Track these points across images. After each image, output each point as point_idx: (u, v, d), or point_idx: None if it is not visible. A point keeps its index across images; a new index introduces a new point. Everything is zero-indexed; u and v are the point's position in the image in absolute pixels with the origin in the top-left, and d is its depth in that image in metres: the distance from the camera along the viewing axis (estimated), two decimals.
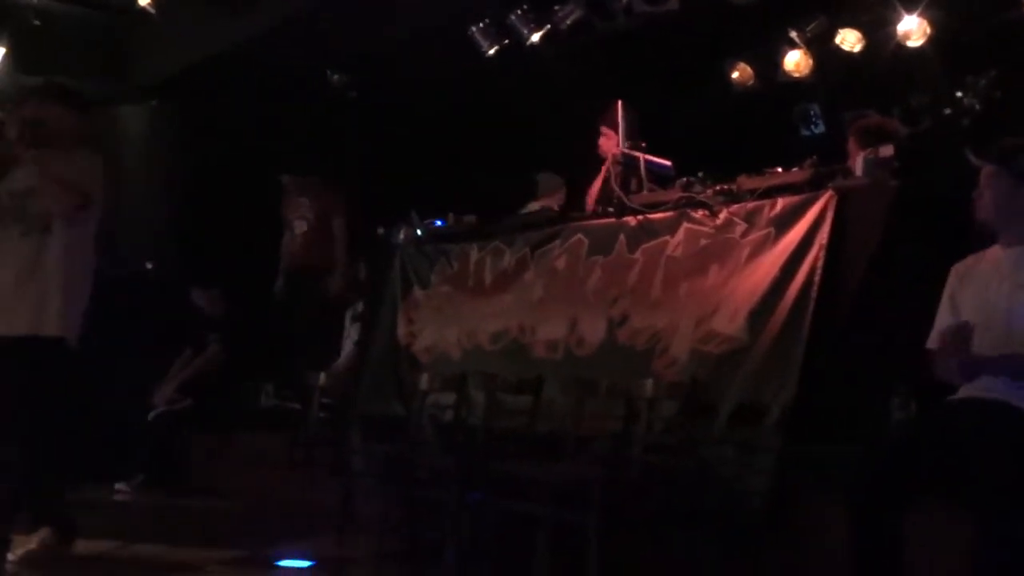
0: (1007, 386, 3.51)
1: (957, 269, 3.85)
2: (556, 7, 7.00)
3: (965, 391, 3.65)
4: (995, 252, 3.74)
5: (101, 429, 8.14)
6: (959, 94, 6.02)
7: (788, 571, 4.51)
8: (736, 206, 5.38)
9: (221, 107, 8.76)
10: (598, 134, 6.66)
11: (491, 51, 7.30)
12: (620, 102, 6.19)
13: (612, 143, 6.51)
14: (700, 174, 5.49)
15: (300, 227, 8.58)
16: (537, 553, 4.71)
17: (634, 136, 6.26)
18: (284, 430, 7.02)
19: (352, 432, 6.82)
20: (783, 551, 4.55)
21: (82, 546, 5.59)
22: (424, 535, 5.53)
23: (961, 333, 3.57)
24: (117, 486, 7.84)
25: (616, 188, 5.94)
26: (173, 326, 8.69)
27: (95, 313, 5.27)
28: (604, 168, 6.24)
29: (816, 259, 4.89)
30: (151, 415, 8.13)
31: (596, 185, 6.46)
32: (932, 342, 3.84)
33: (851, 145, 5.38)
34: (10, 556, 4.92)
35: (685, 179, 5.69)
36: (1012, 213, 3.67)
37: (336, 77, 8.30)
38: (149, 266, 9.13)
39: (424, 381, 6.25)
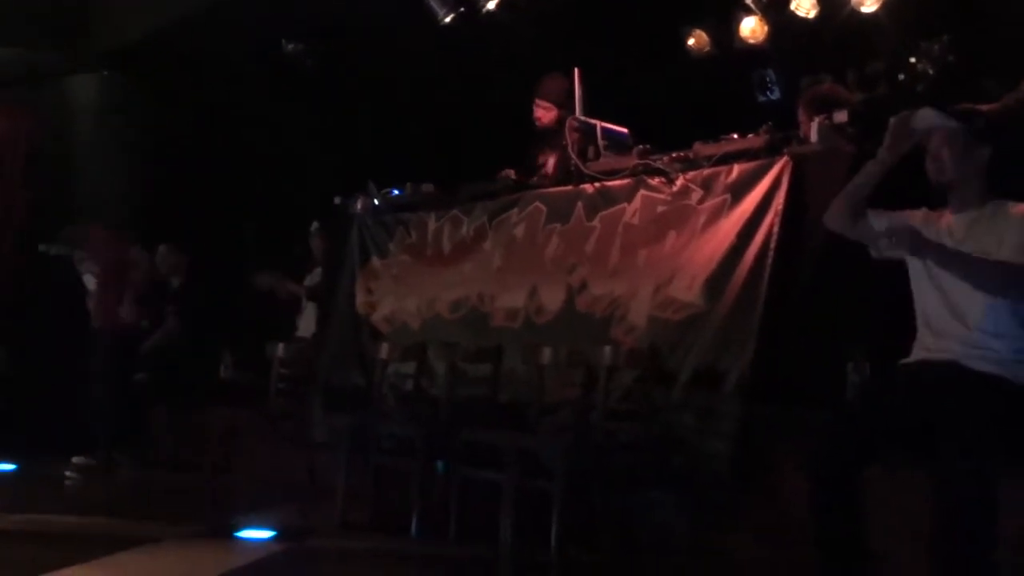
0: (961, 346, 3.57)
1: (924, 215, 3.86)
2: None
3: (918, 354, 3.71)
4: (947, 217, 3.76)
5: (59, 404, 8.10)
6: (913, 59, 6.05)
7: (757, 533, 4.56)
8: (692, 173, 5.41)
9: (175, 77, 8.65)
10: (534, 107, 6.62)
11: (447, 19, 7.25)
12: (577, 70, 6.16)
13: (551, 115, 6.50)
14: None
15: (90, 283, 8.35)
16: (502, 520, 4.75)
17: (569, 105, 6.25)
18: (247, 403, 6.98)
19: (314, 403, 6.82)
20: (751, 514, 4.61)
21: (39, 522, 5.56)
22: (389, 505, 5.55)
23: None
24: (75, 460, 7.79)
25: (573, 156, 5.94)
26: None
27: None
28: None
29: (772, 225, 4.94)
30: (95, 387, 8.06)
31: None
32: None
33: (801, 115, 5.40)
34: None
35: (642, 146, 5.71)
36: (969, 173, 3.69)
37: (291, 46, 8.20)
38: None
39: (384, 351, 6.26)
